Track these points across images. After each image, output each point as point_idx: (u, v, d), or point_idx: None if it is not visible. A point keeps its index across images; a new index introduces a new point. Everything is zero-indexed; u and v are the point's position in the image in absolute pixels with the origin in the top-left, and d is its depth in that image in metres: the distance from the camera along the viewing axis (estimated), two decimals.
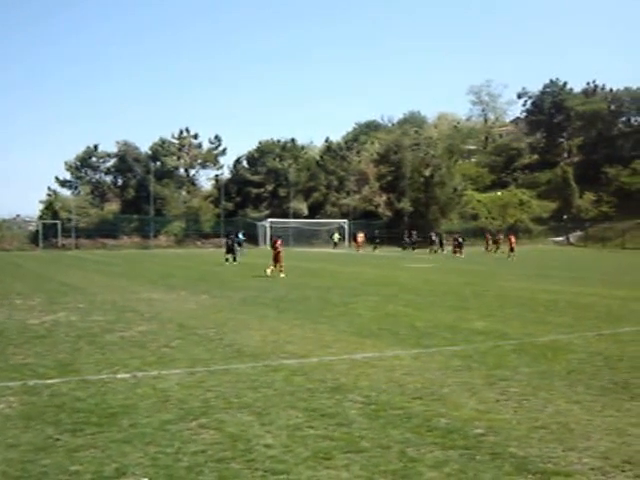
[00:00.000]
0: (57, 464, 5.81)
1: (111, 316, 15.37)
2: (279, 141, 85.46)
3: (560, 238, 78.79)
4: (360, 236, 61.98)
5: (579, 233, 79.84)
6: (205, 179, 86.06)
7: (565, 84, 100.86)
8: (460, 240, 53.08)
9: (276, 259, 27.62)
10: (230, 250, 37.79)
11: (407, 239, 66.66)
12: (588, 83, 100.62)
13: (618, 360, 10.22)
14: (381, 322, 14.44)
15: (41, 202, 75.83)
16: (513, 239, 50.20)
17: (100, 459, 5.92)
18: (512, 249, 47.92)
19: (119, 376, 9.19)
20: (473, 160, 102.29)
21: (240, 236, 52.45)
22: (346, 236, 72.78)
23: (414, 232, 67.31)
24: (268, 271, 27.01)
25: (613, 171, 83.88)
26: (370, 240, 65.11)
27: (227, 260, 37.10)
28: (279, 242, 28.39)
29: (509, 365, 9.87)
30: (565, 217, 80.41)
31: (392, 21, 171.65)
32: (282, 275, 26.83)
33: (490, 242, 59.15)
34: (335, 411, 7.42)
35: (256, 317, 15.20)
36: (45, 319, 14.94)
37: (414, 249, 61.39)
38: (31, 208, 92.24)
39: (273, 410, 7.47)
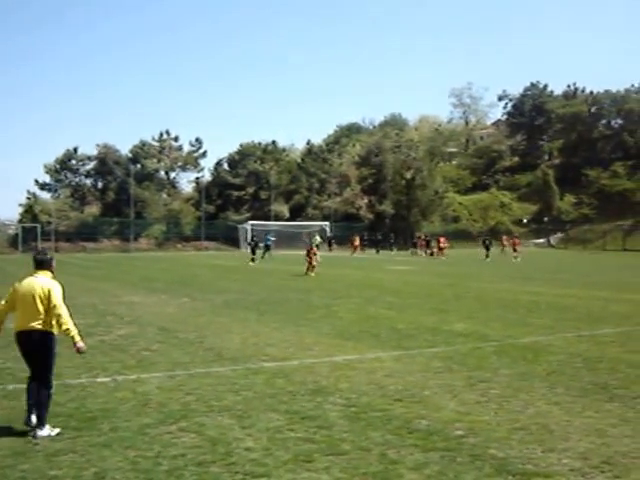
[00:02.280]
0: (36, 469, 5.77)
1: (91, 319, 15.23)
2: (260, 143, 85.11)
3: (541, 240, 79.06)
4: (357, 239, 61.68)
5: (560, 235, 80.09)
6: (186, 182, 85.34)
7: (546, 87, 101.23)
8: (427, 239, 54.22)
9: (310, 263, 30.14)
10: (254, 251, 41.65)
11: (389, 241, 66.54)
12: (569, 86, 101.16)
13: (598, 361, 10.33)
14: (362, 324, 14.47)
15: (20, 205, 74.94)
16: (505, 240, 52.21)
17: (79, 463, 5.89)
18: (513, 249, 49.12)
19: (99, 380, 9.15)
20: (454, 162, 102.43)
21: (270, 238, 53.18)
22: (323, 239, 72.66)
23: (392, 234, 67.46)
24: (312, 274, 29.46)
25: (593, 173, 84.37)
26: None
27: (253, 260, 40.46)
28: (314, 249, 31.29)
29: (490, 367, 9.93)
30: (546, 219, 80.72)
31: (373, 23, 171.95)
32: (312, 274, 29.47)
33: (507, 244, 58.99)
34: (316, 413, 7.43)
35: (237, 320, 15.17)
36: None
37: (392, 251, 61.11)
38: (10, 211, 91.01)
39: (253, 413, 7.46)
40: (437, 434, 6.67)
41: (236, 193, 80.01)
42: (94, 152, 78.88)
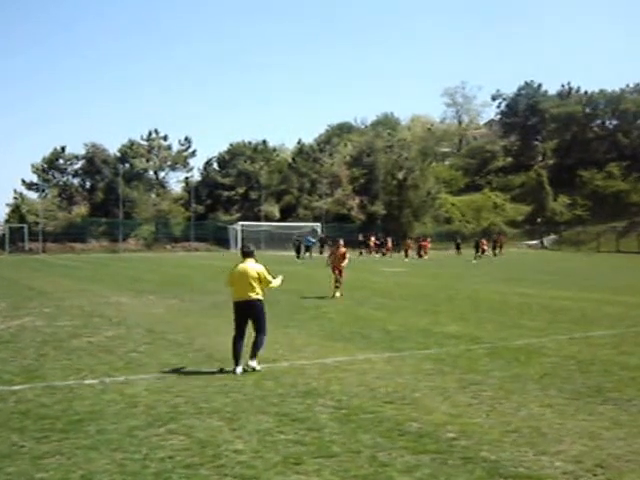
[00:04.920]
0: (22, 472, 5.70)
1: (78, 321, 15.14)
2: (250, 143, 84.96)
3: (534, 242, 78.77)
4: (372, 239, 61.29)
5: (553, 237, 79.74)
6: (175, 182, 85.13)
7: (540, 86, 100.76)
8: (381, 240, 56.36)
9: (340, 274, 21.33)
10: (298, 250, 46.28)
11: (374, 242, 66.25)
12: (563, 85, 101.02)
13: (591, 364, 10.29)
14: (353, 326, 14.42)
15: (7, 205, 74.73)
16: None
17: (66, 466, 5.82)
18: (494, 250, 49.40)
19: (86, 382, 9.05)
20: (447, 163, 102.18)
21: (311, 239, 54.30)
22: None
23: (380, 235, 67.45)
24: (337, 294, 20.81)
25: (587, 174, 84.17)
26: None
27: (298, 257, 43.92)
28: (341, 250, 21.69)
29: (482, 369, 9.89)
30: (539, 220, 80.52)
31: (365, 21, 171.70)
32: (338, 294, 20.87)
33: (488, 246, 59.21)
34: (306, 416, 7.37)
35: (226, 321, 14.99)
36: (10, 324, 14.68)
37: (377, 253, 60.80)
38: None
39: (243, 415, 7.40)
40: (428, 436, 6.62)
41: (226, 193, 79.87)
42: (82, 151, 78.72)
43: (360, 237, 62.76)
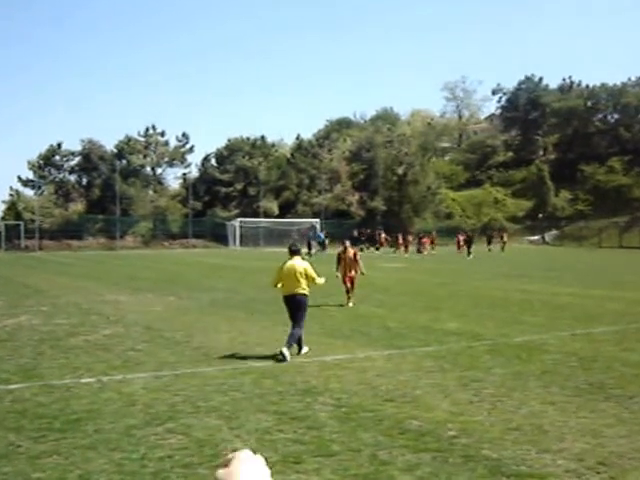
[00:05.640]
0: (19, 471, 5.66)
1: (75, 319, 15.07)
2: (248, 138, 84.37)
3: (535, 237, 78.08)
4: (382, 235, 61.25)
5: (555, 232, 78.87)
6: (172, 178, 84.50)
7: (541, 80, 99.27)
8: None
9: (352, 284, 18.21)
10: (310, 246, 46.90)
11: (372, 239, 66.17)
12: (564, 79, 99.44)
13: (592, 360, 10.23)
14: (353, 323, 14.37)
15: (3, 202, 74.40)
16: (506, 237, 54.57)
17: (63, 466, 5.78)
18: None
19: (83, 381, 8.99)
20: (447, 158, 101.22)
21: (321, 235, 54.68)
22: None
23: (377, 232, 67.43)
24: (350, 304, 17.70)
25: (589, 169, 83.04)
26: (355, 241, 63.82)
27: (309, 253, 43.91)
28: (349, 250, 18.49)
29: (483, 366, 9.83)
30: (540, 216, 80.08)
31: (364, 15, 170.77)
32: (351, 304, 17.77)
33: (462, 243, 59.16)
34: (305, 414, 7.32)
35: (225, 319, 15.04)
36: (6, 322, 14.59)
37: (374, 248, 60.69)
38: None
39: (242, 414, 7.35)
40: (429, 435, 6.58)
41: (224, 189, 79.48)
42: (78, 148, 78.03)
43: (354, 233, 62.67)
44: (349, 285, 17.98)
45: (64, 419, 7.15)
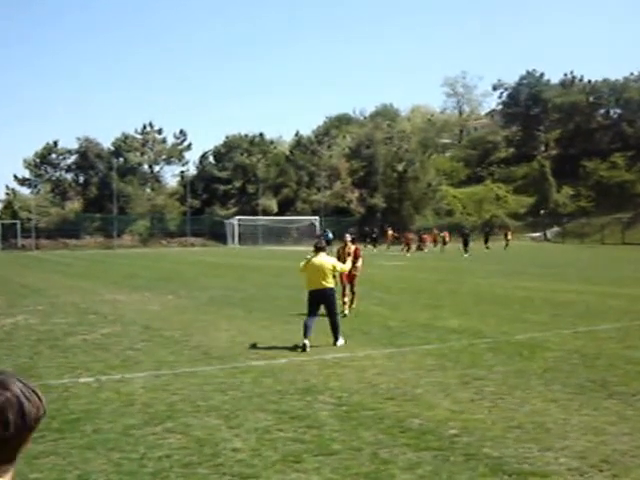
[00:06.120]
0: (16, 472, 5.42)
1: (73, 318, 15.02)
2: (247, 135, 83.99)
3: (537, 234, 77.32)
4: (389, 231, 61.20)
5: (556, 229, 78.21)
6: (170, 176, 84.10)
7: (542, 75, 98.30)
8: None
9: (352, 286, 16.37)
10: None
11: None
12: (566, 74, 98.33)
13: (595, 358, 10.18)
14: (353, 321, 14.30)
15: None
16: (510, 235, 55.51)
17: (61, 466, 5.73)
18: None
19: (81, 380, 8.94)
20: (448, 154, 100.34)
21: (329, 235, 54.29)
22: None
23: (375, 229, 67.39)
24: (347, 311, 15.48)
25: (591, 165, 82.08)
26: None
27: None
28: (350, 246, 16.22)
29: (484, 364, 9.78)
30: (542, 212, 79.58)
31: (363, 10, 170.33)
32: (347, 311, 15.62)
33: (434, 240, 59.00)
34: (305, 413, 7.28)
35: (224, 317, 14.99)
36: (4, 322, 14.54)
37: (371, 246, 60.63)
38: None
39: (241, 413, 7.31)
40: (430, 433, 6.54)
41: (222, 187, 79.18)
42: (75, 146, 77.76)
43: (365, 228, 62.79)
44: (347, 284, 15.93)
45: (62, 419, 7.10)
